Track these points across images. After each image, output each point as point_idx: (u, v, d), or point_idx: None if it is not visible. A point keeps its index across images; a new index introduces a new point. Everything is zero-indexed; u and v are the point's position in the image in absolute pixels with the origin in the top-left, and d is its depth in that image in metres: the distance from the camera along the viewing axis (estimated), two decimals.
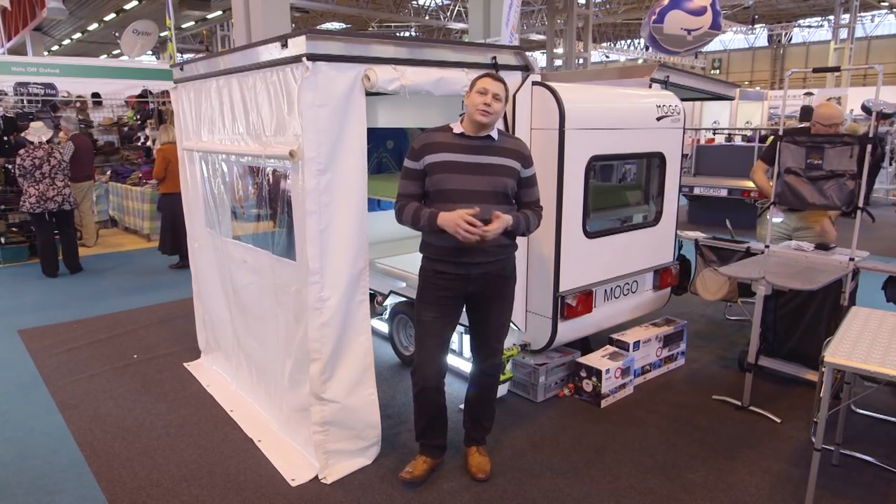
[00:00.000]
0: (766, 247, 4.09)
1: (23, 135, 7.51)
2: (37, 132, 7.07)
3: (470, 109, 2.73)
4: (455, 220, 2.61)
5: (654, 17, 9.77)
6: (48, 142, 7.10)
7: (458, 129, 2.79)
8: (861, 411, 3.69)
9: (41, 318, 5.63)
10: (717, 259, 4.52)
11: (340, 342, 2.97)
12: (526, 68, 3.52)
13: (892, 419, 3.62)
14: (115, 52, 28.49)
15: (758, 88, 30.24)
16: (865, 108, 13.34)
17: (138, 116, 11.38)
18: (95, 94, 11.38)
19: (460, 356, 4.08)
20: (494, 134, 2.81)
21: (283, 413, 3.44)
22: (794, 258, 4.01)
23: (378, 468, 3.13)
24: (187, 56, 19.52)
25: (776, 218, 4.08)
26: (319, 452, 3.03)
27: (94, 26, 24.88)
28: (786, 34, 38.46)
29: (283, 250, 3.27)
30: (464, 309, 2.97)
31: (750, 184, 8.98)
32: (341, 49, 2.73)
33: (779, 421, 3.61)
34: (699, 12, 9.71)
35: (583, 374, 3.85)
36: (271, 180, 3.49)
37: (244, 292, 3.70)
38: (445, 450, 3.13)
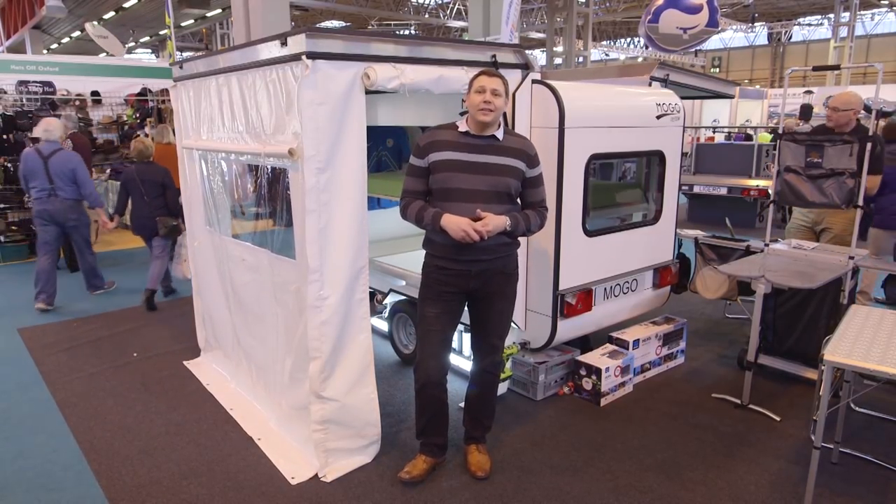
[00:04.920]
0: (766, 245, 4.09)
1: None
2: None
3: (471, 110, 2.73)
4: (461, 225, 2.65)
5: (649, 17, 9.74)
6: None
7: (463, 127, 2.80)
8: (860, 409, 3.69)
9: (41, 316, 5.63)
10: (716, 257, 4.52)
11: (340, 340, 2.97)
12: (526, 66, 3.51)
13: (892, 417, 3.62)
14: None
15: (758, 87, 30.27)
16: (865, 107, 13.32)
17: (138, 115, 11.36)
18: (95, 93, 11.35)
19: (460, 355, 4.08)
20: (499, 133, 2.81)
21: (282, 411, 3.44)
22: (793, 256, 4.01)
23: (378, 466, 3.13)
24: (187, 54, 19.49)
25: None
26: (319, 451, 3.04)
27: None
28: (786, 32, 38.42)
29: (282, 248, 3.26)
30: (466, 307, 2.98)
31: (749, 182, 9.02)
32: (341, 47, 2.73)
33: (778, 419, 3.61)
34: (695, 10, 9.66)
35: (582, 372, 3.85)
36: (270, 179, 3.49)
37: (243, 290, 3.70)
38: (446, 449, 3.13)
